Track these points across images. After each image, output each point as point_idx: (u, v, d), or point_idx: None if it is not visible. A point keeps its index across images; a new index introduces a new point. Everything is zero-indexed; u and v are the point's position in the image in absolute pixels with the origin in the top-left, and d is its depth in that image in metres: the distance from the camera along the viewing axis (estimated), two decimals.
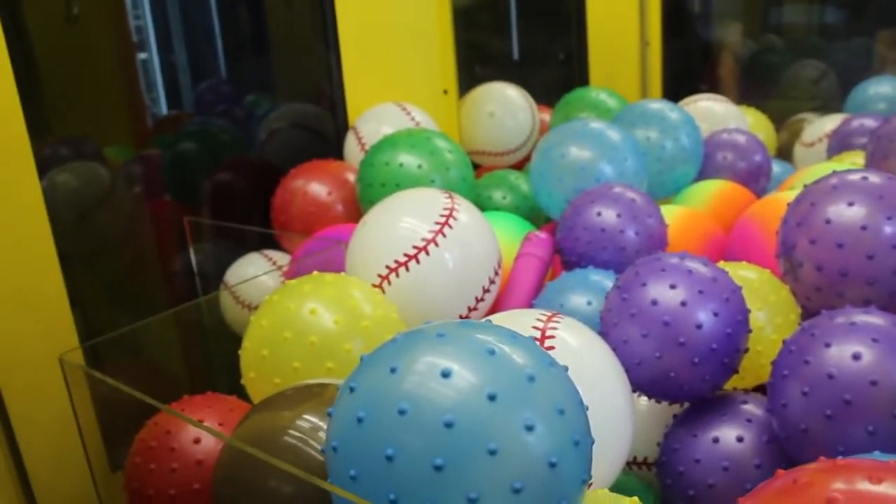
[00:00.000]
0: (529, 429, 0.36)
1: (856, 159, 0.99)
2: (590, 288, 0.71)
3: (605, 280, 0.71)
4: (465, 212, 0.71)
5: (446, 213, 0.69)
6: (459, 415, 0.35)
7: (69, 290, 0.78)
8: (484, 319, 0.56)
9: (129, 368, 0.80)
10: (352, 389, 0.38)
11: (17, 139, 0.73)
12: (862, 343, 0.48)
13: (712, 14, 1.78)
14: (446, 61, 1.16)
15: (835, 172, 0.64)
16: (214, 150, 1.10)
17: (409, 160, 0.88)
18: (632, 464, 0.64)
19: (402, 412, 0.36)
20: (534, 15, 1.72)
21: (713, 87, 1.71)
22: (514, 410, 0.36)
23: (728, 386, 0.61)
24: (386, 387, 0.37)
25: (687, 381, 0.56)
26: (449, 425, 0.35)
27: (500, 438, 0.35)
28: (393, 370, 0.37)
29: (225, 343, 0.79)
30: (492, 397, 0.36)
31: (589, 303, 0.69)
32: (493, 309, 0.75)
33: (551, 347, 0.51)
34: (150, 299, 1.04)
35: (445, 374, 0.36)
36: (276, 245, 0.97)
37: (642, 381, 0.57)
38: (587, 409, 0.40)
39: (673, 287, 0.56)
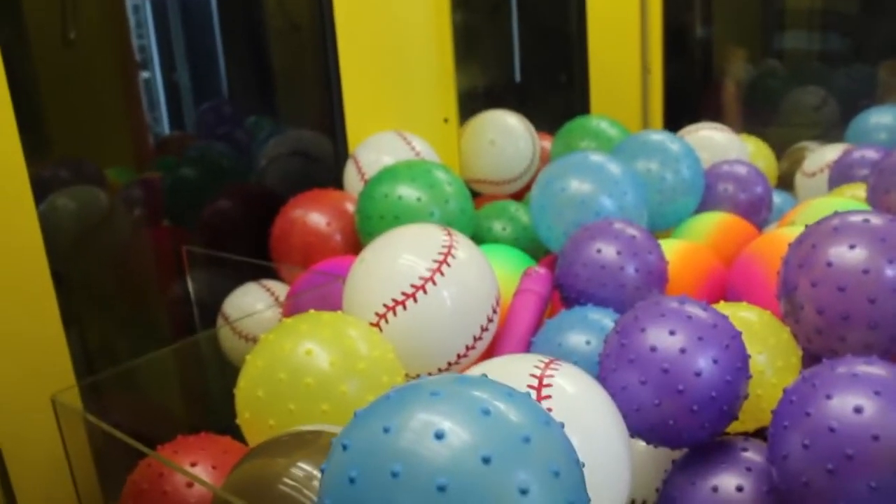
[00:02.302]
0: (524, 492, 0.35)
1: (857, 192, 0.99)
2: (589, 327, 0.70)
3: (605, 318, 0.71)
4: (464, 249, 0.70)
5: (444, 250, 0.69)
6: (453, 477, 0.35)
7: (64, 315, 0.78)
8: (482, 365, 0.56)
9: (126, 401, 0.80)
10: (344, 447, 0.38)
11: (12, 163, 0.73)
12: (864, 395, 0.47)
13: (713, 39, 1.78)
14: (447, 90, 1.16)
15: (837, 213, 0.64)
16: (214, 176, 1.09)
17: (408, 192, 0.88)
18: None
19: (394, 474, 0.35)
20: (536, 38, 1.72)
21: (715, 112, 1.71)
22: (509, 473, 0.35)
23: (728, 430, 0.60)
24: (379, 447, 0.36)
25: (686, 428, 0.55)
26: (442, 488, 0.35)
27: (494, 502, 0.35)
28: (386, 429, 0.37)
29: (223, 377, 0.79)
30: (486, 460, 0.35)
31: (588, 342, 0.69)
32: (492, 346, 0.75)
33: (548, 396, 0.51)
34: (147, 326, 1.04)
35: (439, 436, 0.36)
36: (274, 275, 0.96)
37: (641, 428, 0.56)
38: (583, 465, 0.40)
39: (672, 333, 0.55)
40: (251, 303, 0.92)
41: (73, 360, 0.79)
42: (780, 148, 1.38)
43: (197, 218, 1.06)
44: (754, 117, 1.69)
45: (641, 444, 0.60)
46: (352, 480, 0.36)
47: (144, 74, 1.10)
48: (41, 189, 0.86)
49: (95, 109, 0.99)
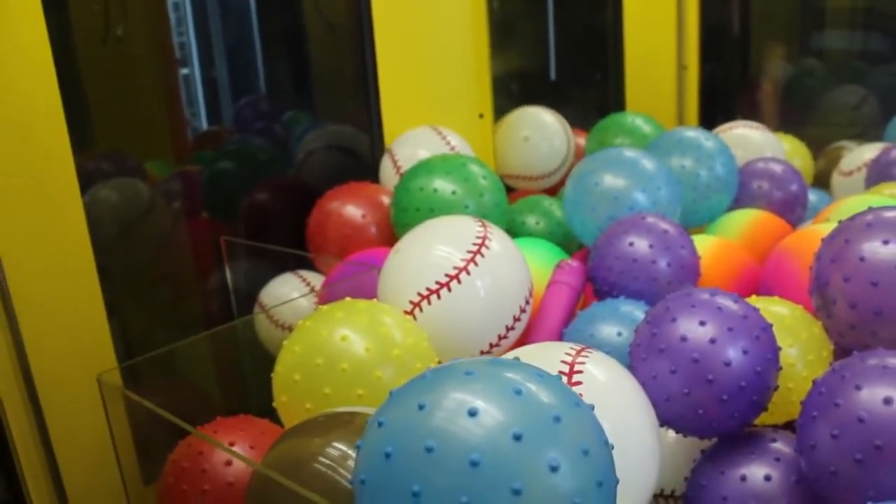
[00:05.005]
0: (554, 469, 0.36)
1: (894, 190, 0.98)
2: (620, 319, 0.71)
3: (636, 311, 0.72)
4: (498, 240, 0.72)
5: (479, 241, 0.70)
6: (485, 454, 0.36)
7: (107, 304, 0.80)
8: (514, 352, 0.57)
9: (166, 385, 0.82)
10: (380, 424, 0.39)
11: (60, 154, 0.75)
12: (894, 387, 0.48)
13: (751, 37, 1.77)
14: (482, 86, 1.17)
15: (870, 209, 0.64)
16: (252, 169, 1.11)
17: (443, 186, 0.89)
18: (659, 496, 0.64)
19: (429, 449, 0.36)
20: (572, 35, 1.73)
21: (751, 111, 1.70)
22: (539, 450, 0.36)
23: (758, 422, 0.61)
24: (414, 423, 0.38)
25: (715, 417, 0.56)
26: (475, 464, 0.36)
27: (525, 478, 0.36)
28: (421, 407, 0.38)
29: (260, 363, 0.80)
30: (517, 437, 0.36)
31: (619, 333, 0.69)
32: (524, 337, 0.76)
33: (579, 382, 0.51)
34: (186, 315, 1.06)
35: (472, 413, 0.37)
36: (310, 265, 0.98)
37: (670, 417, 0.57)
38: (612, 448, 0.41)
39: (703, 324, 0.56)
40: (288, 293, 0.93)
41: (115, 348, 0.81)
42: (817, 147, 1.37)
43: (235, 210, 1.08)
44: (792, 116, 1.68)
45: (671, 433, 0.61)
46: (387, 456, 0.38)
47: (184, 71, 1.12)
48: (85, 181, 0.89)
49: (137, 104, 1.01)
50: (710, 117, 1.53)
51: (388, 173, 1.03)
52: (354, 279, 0.82)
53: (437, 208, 0.88)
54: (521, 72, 1.65)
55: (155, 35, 1.04)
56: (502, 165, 1.22)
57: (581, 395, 0.51)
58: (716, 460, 0.57)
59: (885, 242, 0.60)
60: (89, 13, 0.94)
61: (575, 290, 0.79)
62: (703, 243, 0.85)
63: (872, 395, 0.48)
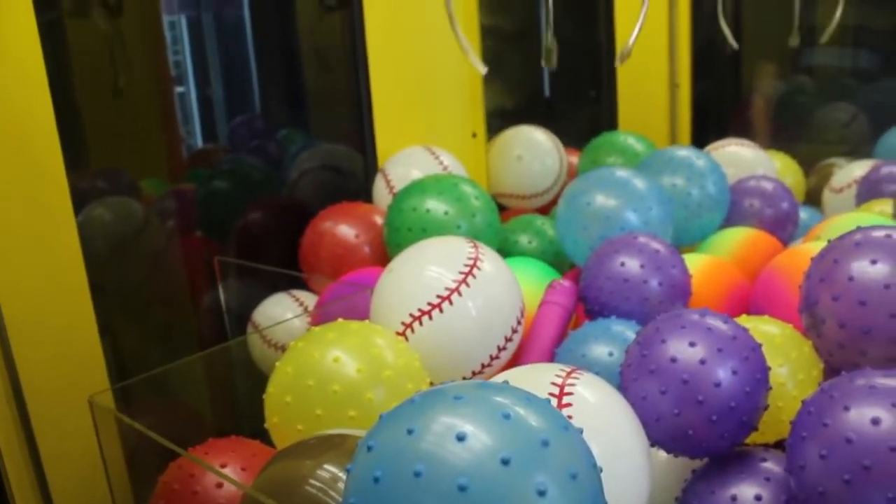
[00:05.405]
0: (542, 493, 0.36)
1: (884, 207, 0.99)
2: (612, 338, 0.71)
3: (628, 331, 0.72)
4: (490, 261, 0.72)
5: (470, 262, 0.70)
6: (473, 478, 0.36)
7: (99, 323, 0.80)
8: (505, 374, 0.57)
9: (158, 405, 0.82)
10: (369, 448, 0.39)
11: (53, 172, 0.75)
12: (881, 407, 0.48)
13: (742, 55, 1.78)
14: (475, 105, 1.18)
15: (859, 228, 0.64)
16: (246, 188, 1.12)
17: (435, 206, 0.90)
18: None
19: (417, 474, 0.37)
20: (565, 54, 1.74)
21: (743, 129, 1.71)
22: (527, 475, 0.37)
23: (748, 441, 0.61)
24: (403, 448, 0.38)
25: (705, 438, 0.56)
26: (463, 488, 0.36)
27: (513, 503, 0.36)
28: (410, 431, 0.38)
29: (253, 383, 0.80)
30: (505, 461, 0.36)
31: (610, 354, 0.70)
32: (516, 357, 0.76)
33: (569, 404, 0.52)
34: (178, 334, 1.06)
35: (461, 438, 0.37)
36: (303, 285, 0.98)
37: (661, 438, 0.57)
38: (601, 471, 0.41)
39: (692, 345, 0.56)
40: (281, 313, 0.93)
41: (107, 367, 0.81)
42: (808, 164, 1.37)
43: (228, 229, 1.08)
44: (783, 133, 1.69)
45: (662, 453, 0.61)
46: (376, 480, 0.38)
47: (179, 89, 1.12)
48: (79, 199, 0.89)
49: (134, 121, 1.01)
50: (703, 135, 1.54)
51: (382, 193, 1.04)
52: (347, 299, 0.83)
53: (429, 228, 0.88)
54: (514, 91, 1.66)
55: (151, 55, 1.05)
56: (495, 184, 1.22)
57: (571, 416, 0.51)
58: (706, 480, 0.57)
59: (874, 262, 0.60)
60: (85, 34, 0.95)
61: (567, 310, 0.79)
62: (695, 262, 0.85)
63: (860, 416, 0.48)
